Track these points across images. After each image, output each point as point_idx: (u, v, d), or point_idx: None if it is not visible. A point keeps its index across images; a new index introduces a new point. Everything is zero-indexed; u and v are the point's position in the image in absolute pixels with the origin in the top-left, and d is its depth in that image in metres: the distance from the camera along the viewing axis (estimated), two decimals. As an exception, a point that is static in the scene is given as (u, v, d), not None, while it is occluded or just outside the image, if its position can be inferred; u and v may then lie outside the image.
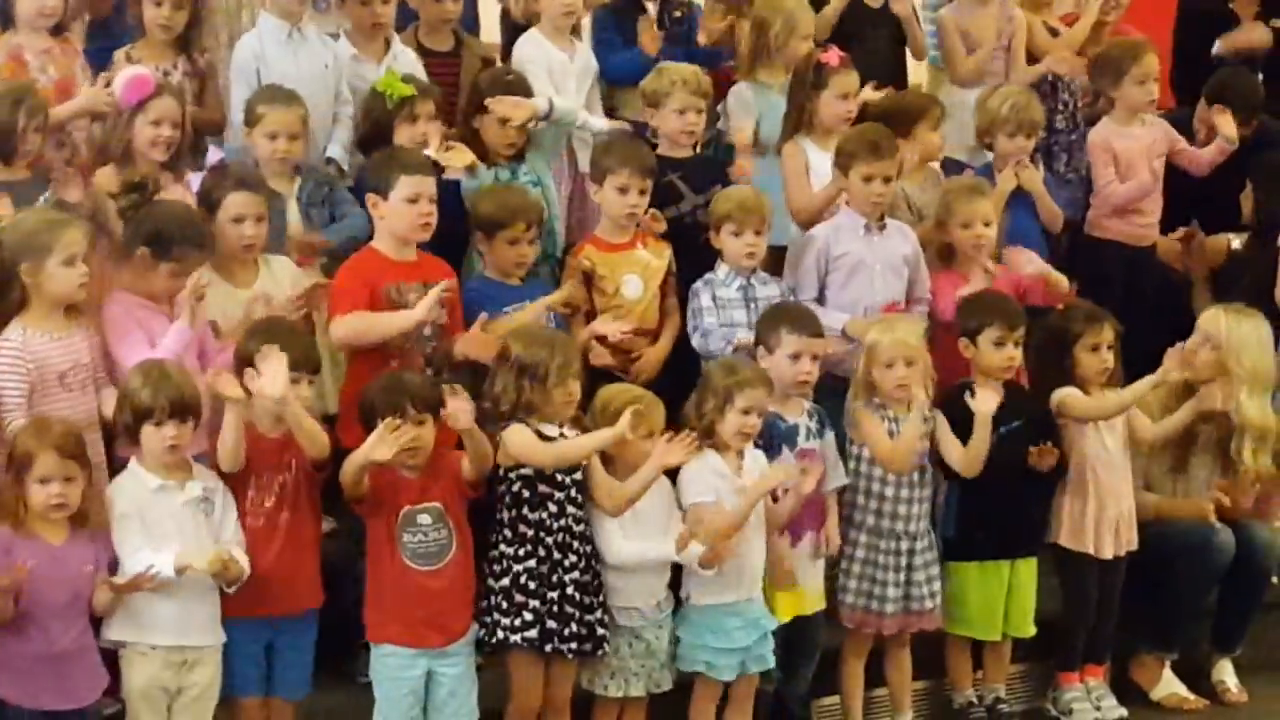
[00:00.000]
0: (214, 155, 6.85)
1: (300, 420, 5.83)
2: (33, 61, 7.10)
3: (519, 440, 6.04)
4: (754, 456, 6.40)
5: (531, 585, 6.08)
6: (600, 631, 6.16)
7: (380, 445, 5.81)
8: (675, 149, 7.45)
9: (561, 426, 6.16)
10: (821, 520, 6.59)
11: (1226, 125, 8.15)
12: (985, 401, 6.60)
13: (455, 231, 6.89)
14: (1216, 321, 7.19)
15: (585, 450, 6.06)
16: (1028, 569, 6.93)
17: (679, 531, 6.22)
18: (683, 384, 6.70)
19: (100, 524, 5.73)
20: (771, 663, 6.43)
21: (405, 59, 7.65)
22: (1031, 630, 6.97)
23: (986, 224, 7.23)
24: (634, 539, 6.22)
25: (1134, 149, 8.10)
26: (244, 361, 5.92)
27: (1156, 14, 9.33)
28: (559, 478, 6.12)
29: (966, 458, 6.65)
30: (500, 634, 6.09)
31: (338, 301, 6.39)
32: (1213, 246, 8.33)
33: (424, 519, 5.96)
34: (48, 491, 5.56)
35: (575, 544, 6.14)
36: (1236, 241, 8.30)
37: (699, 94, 7.47)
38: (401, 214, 6.44)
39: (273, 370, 5.78)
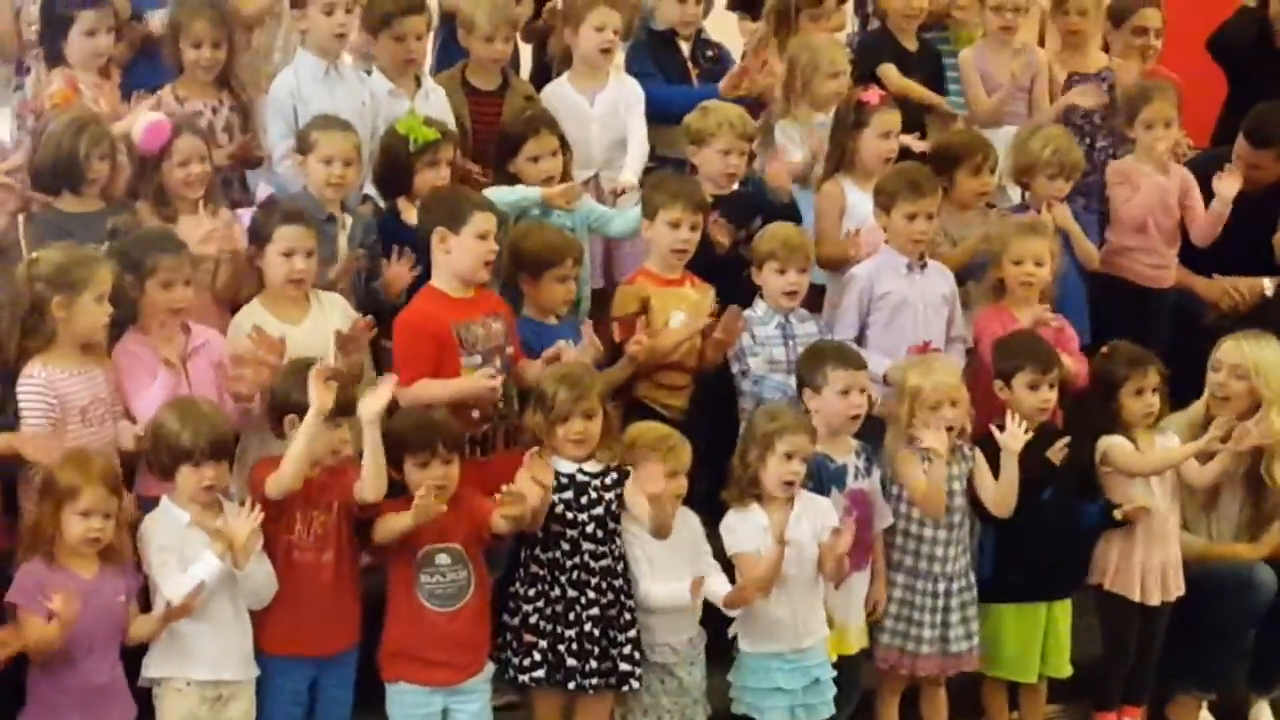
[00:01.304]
0: (263, 191, 6.83)
1: (378, 463, 5.84)
2: (86, 93, 7.17)
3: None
4: (806, 500, 6.37)
5: (542, 625, 6.11)
6: (625, 667, 6.16)
7: (422, 512, 5.85)
8: (714, 188, 7.40)
9: (583, 463, 6.16)
10: (865, 558, 6.56)
11: (1227, 187, 7.99)
12: (1013, 439, 6.55)
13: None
14: (1240, 351, 7.12)
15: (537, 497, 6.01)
16: (1063, 610, 6.90)
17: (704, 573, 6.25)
18: (721, 426, 6.75)
19: (128, 556, 5.75)
20: (825, 714, 6.41)
21: (436, 98, 7.65)
22: (1068, 671, 6.93)
23: (1039, 263, 7.19)
24: (662, 580, 6.22)
25: (1148, 188, 8.03)
26: (282, 408, 5.94)
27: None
28: (571, 515, 6.13)
29: (997, 496, 6.63)
30: (511, 672, 6.13)
31: (401, 369, 6.33)
32: (1250, 287, 8.34)
33: (442, 559, 5.98)
34: (88, 525, 5.58)
35: (594, 580, 6.15)
36: (1270, 287, 8.31)
37: (744, 137, 7.47)
38: (471, 250, 6.43)
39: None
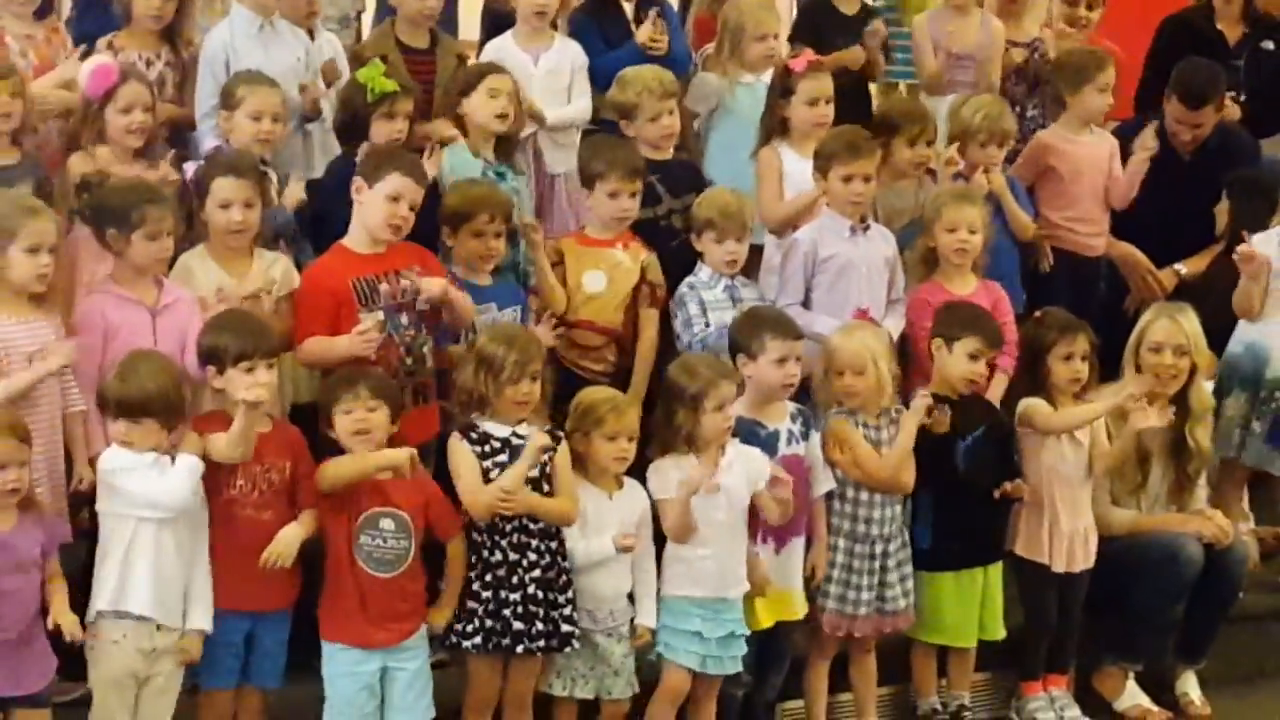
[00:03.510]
0: (210, 143, 6.84)
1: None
2: (13, 45, 7.13)
3: (456, 469, 6.09)
4: (738, 450, 6.35)
5: (484, 593, 6.08)
6: (565, 628, 6.14)
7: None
8: (656, 152, 7.42)
9: (516, 425, 6.14)
10: (802, 523, 6.55)
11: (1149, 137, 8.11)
12: (923, 402, 6.63)
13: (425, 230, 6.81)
14: (1180, 329, 7.16)
15: (509, 486, 6.00)
16: (996, 573, 6.94)
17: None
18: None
19: (47, 509, 5.74)
20: (732, 670, 6.41)
21: (331, 47, 7.66)
22: (1002, 633, 6.97)
23: (972, 231, 7.21)
24: (593, 540, 6.22)
25: (1080, 155, 8.09)
26: (207, 356, 5.94)
27: (1129, 31, 9.32)
28: None
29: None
30: (452, 638, 6.11)
31: (297, 326, 6.38)
32: (1165, 280, 8.39)
33: (386, 524, 5.94)
34: (4, 477, 5.53)
35: (533, 542, 6.12)
36: (1184, 269, 8.35)
37: (667, 96, 7.47)
38: (377, 208, 6.39)
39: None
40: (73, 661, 5.77)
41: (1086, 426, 6.99)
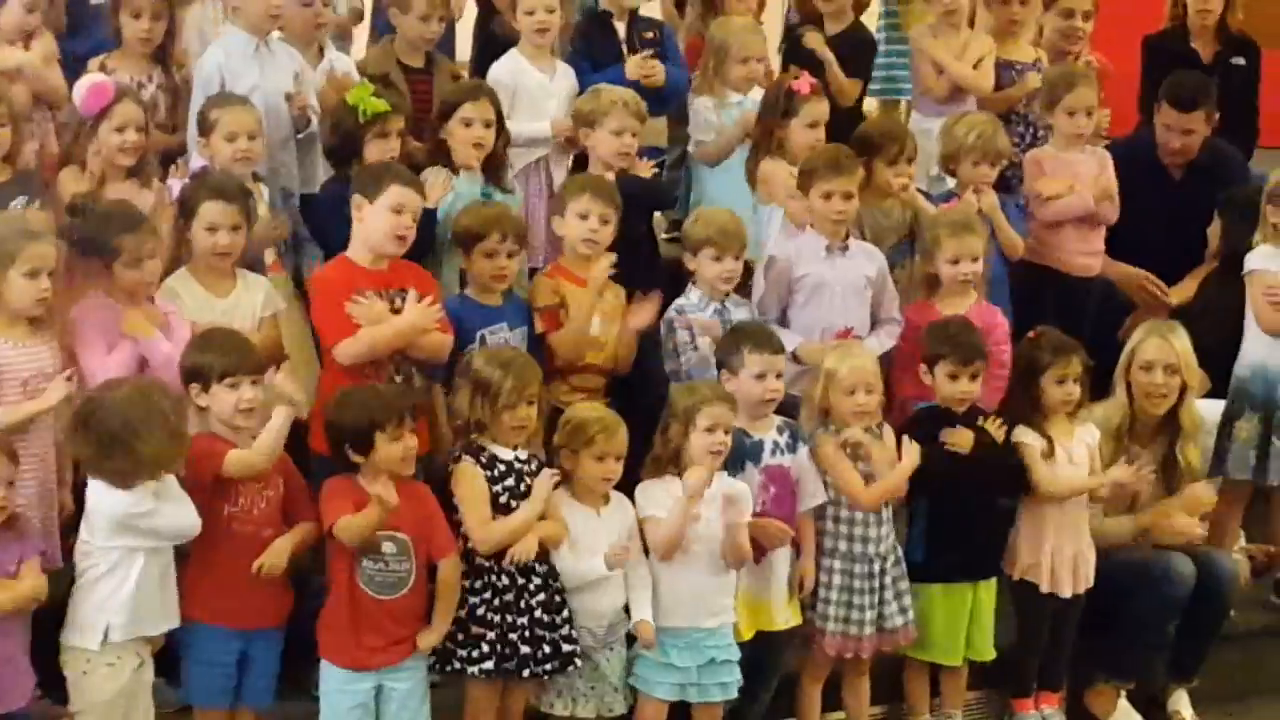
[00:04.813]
0: (196, 163, 6.87)
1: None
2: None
3: (467, 497, 6.08)
4: (722, 482, 6.34)
5: (490, 616, 6.08)
6: (567, 648, 6.15)
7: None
8: (607, 170, 7.36)
9: (516, 449, 6.16)
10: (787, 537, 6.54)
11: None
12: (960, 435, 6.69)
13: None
14: (1171, 347, 7.13)
15: (519, 526, 6.05)
16: (988, 591, 6.92)
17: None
18: (648, 409, 6.67)
19: (28, 525, 5.75)
20: (719, 697, 6.41)
21: (341, 64, 7.68)
22: (991, 654, 6.95)
23: (974, 259, 7.21)
24: (584, 558, 6.22)
25: (1069, 173, 8.06)
26: (191, 374, 5.93)
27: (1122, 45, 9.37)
28: (513, 504, 6.11)
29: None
30: (455, 664, 6.10)
31: (329, 332, 6.37)
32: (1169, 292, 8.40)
33: (388, 547, 5.93)
34: None
35: (536, 565, 6.13)
36: (1173, 300, 8.34)
37: (637, 117, 7.46)
38: (381, 221, 6.41)
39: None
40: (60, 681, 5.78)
41: (1087, 453, 6.99)
